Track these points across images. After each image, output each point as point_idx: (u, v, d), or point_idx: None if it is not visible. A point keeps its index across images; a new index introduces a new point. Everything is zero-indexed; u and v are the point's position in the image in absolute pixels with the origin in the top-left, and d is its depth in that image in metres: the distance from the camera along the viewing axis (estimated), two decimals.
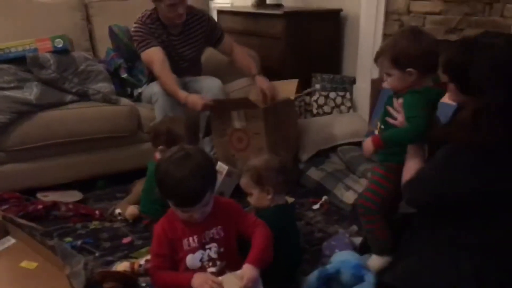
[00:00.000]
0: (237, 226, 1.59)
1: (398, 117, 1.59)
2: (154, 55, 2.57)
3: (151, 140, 2.23)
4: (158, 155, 2.19)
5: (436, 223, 1.50)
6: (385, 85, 1.64)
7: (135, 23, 2.63)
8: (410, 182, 1.50)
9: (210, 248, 1.53)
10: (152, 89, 2.61)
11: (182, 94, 2.46)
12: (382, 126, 1.69)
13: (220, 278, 1.44)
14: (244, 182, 1.82)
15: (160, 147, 2.15)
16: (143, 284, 1.74)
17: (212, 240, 1.53)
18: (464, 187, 1.36)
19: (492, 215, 1.39)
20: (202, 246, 1.53)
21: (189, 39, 2.72)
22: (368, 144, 1.63)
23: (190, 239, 1.52)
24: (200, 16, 2.73)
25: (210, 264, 1.52)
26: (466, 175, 1.36)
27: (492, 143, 1.30)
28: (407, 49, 1.53)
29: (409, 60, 1.53)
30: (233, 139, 2.42)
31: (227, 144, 2.46)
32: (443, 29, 2.58)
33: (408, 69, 1.54)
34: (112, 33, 2.81)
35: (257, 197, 1.80)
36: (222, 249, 1.53)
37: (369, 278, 1.56)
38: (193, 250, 1.52)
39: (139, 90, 2.74)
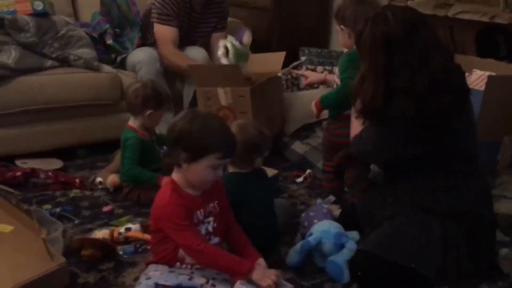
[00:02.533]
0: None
1: None
2: (170, 34, 2.56)
3: (137, 105, 2.11)
4: (133, 122, 2.15)
5: (401, 192, 1.61)
6: None
7: None
8: (355, 137, 1.67)
9: (208, 222, 1.49)
10: (136, 57, 2.57)
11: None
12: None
13: None
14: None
15: (149, 111, 2.11)
16: (121, 252, 1.73)
17: (210, 214, 1.49)
18: (393, 141, 1.53)
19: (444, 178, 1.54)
20: (203, 220, 1.48)
21: (207, 18, 2.69)
22: (312, 107, 1.90)
23: (198, 213, 1.46)
24: (220, 1, 2.72)
25: (208, 238, 1.48)
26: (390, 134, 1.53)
27: (372, 103, 1.48)
28: (343, 9, 1.83)
29: (342, 19, 1.81)
30: (219, 115, 2.37)
31: None
32: (432, 4, 2.55)
33: (341, 26, 1.83)
34: None
35: None
36: (215, 224, 1.50)
37: (350, 245, 1.57)
38: (198, 224, 1.46)
39: (123, 56, 2.68)
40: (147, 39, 2.74)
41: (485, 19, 2.33)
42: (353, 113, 1.69)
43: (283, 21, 3.17)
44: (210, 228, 1.49)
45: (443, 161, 1.54)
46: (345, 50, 1.96)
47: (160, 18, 2.57)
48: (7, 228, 1.46)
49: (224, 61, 2.41)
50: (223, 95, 2.33)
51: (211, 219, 1.49)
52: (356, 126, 1.66)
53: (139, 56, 2.55)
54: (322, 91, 2.97)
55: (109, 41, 2.66)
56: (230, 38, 2.42)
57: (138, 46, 2.70)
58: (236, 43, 2.39)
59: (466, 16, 2.38)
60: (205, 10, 2.69)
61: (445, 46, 1.53)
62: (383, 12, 1.52)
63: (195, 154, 1.38)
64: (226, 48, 2.39)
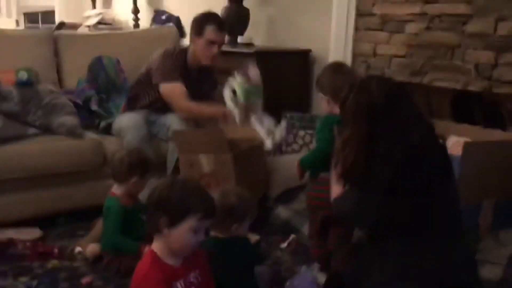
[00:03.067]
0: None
1: None
2: (178, 90, 2.57)
3: (122, 172, 2.12)
4: (117, 189, 2.13)
5: (387, 257, 1.59)
6: None
7: (163, 53, 2.61)
8: (336, 198, 1.67)
9: None
10: (121, 123, 2.58)
11: (214, 108, 2.50)
12: None
13: None
14: None
15: (134, 178, 2.09)
16: None
17: (192, 284, 1.46)
18: (372, 204, 1.55)
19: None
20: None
21: (200, 87, 2.74)
22: (294, 169, 1.93)
23: (178, 283, 1.43)
24: (213, 71, 2.79)
25: None
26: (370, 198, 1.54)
27: (353, 168, 1.52)
28: (322, 78, 1.92)
29: (321, 87, 1.91)
30: (202, 183, 2.35)
31: None
32: (407, 72, 2.65)
33: (320, 93, 1.92)
34: (98, 62, 2.79)
35: None
36: None
37: None
38: None
39: (108, 121, 2.70)
40: (133, 105, 2.77)
41: (459, 86, 2.42)
42: (332, 175, 1.73)
43: (265, 86, 3.22)
44: None
45: (426, 227, 1.55)
46: None
47: (165, 77, 2.58)
48: None
49: (231, 104, 2.40)
50: (206, 162, 2.34)
51: None
52: (336, 188, 1.69)
53: (125, 121, 2.57)
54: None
55: (94, 107, 2.70)
56: (237, 77, 2.43)
57: (124, 111, 2.73)
58: (242, 81, 2.40)
59: (440, 84, 2.48)
60: (199, 78, 2.72)
61: (426, 120, 1.57)
62: (368, 81, 1.59)
63: (175, 217, 1.39)
64: (233, 90, 2.39)
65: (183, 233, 1.39)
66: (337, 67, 1.97)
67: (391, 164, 1.47)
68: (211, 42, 2.57)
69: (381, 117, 1.50)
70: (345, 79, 1.86)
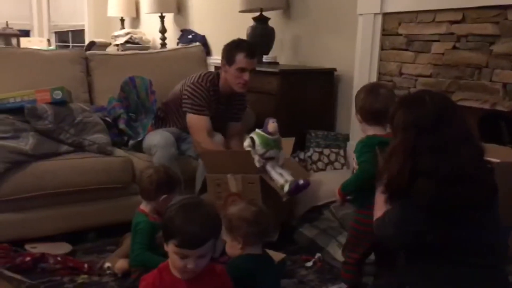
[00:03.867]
0: None
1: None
2: (205, 124, 2.63)
3: (151, 190, 2.16)
4: (145, 206, 2.17)
5: (419, 280, 1.57)
6: None
7: (196, 82, 2.66)
8: (377, 220, 1.67)
9: None
10: (153, 140, 2.62)
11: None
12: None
13: None
14: None
15: (163, 196, 2.14)
16: None
17: None
18: (415, 224, 1.52)
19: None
20: None
21: (230, 109, 2.82)
22: (336, 195, 1.93)
23: None
24: (243, 95, 2.84)
25: None
26: (412, 217, 1.52)
27: (397, 180, 1.50)
28: (357, 100, 1.93)
29: (358, 108, 1.92)
30: (228, 202, 2.39)
31: (221, 207, 2.42)
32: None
33: (357, 115, 1.93)
34: (131, 82, 2.86)
35: (229, 245, 1.79)
36: None
37: None
38: None
39: (137, 139, 2.75)
40: (160, 126, 2.83)
41: (486, 106, 2.41)
42: (376, 198, 1.72)
43: (289, 105, 3.27)
44: None
45: (464, 252, 1.51)
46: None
47: (193, 108, 2.64)
48: None
49: (251, 151, 2.41)
50: (233, 182, 2.37)
51: None
52: (380, 206, 1.68)
53: (156, 139, 2.60)
54: (329, 173, 3.02)
55: (122, 126, 2.76)
56: (257, 130, 2.48)
57: (151, 132, 2.77)
58: (261, 132, 2.45)
59: (467, 103, 2.46)
60: (229, 101, 2.79)
61: (476, 140, 1.55)
62: (420, 94, 1.59)
63: (164, 237, 1.50)
64: (252, 140, 2.43)
65: (171, 254, 1.47)
66: (373, 87, 1.96)
67: (436, 181, 1.45)
68: (242, 70, 2.61)
69: (431, 130, 1.48)
70: (378, 100, 1.88)
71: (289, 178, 2.41)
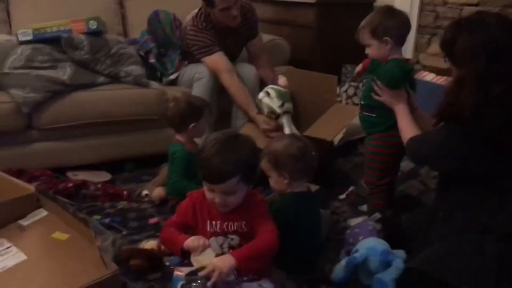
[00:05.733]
0: (253, 221, 1.55)
1: (382, 95, 1.86)
2: (220, 63, 2.57)
3: (177, 123, 2.18)
4: (180, 136, 2.20)
5: (455, 206, 1.56)
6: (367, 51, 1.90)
7: (192, 27, 2.61)
8: (413, 138, 1.66)
9: (232, 238, 1.53)
10: (196, 69, 2.62)
11: (253, 110, 2.48)
12: (362, 102, 2.00)
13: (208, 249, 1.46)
14: (263, 165, 1.79)
15: (191, 125, 2.15)
16: (167, 263, 1.75)
17: (235, 232, 1.53)
18: (459, 156, 1.49)
19: (505, 197, 1.47)
20: (224, 233, 1.53)
21: (237, 34, 2.71)
22: (359, 66, 1.93)
23: (213, 222, 1.53)
24: (246, 12, 2.70)
25: (231, 251, 1.52)
26: (460, 146, 1.48)
27: (469, 109, 1.41)
28: (384, 21, 1.81)
29: (384, 30, 1.80)
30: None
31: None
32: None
33: (385, 38, 1.80)
34: (156, 17, 2.83)
35: (275, 181, 1.79)
36: (243, 242, 1.53)
37: (397, 264, 1.54)
38: (216, 234, 1.53)
39: (172, 77, 2.76)
40: (192, 61, 2.79)
41: None
42: (400, 114, 1.72)
43: (326, 38, 3.18)
44: (234, 244, 1.53)
45: (506, 183, 1.49)
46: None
47: (202, 52, 2.59)
48: (64, 236, 1.51)
49: (267, 100, 2.40)
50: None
51: (235, 236, 1.53)
52: (409, 127, 1.68)
53: (200, 68, 2.60)
54: None
55: (152, 60, 2.74)
56: (268, 86, 2.47)
57: (178, 68, 2.77)
58: (275, 86, 2.44)
59: None
60: (234, 28, 2.68)
61: None
62: (484, 17, 1.48)
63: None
64: (267, 92, 2.41)
65: (204, 186, 1.50)
66: (393, 9, 1.88)
67: (507, 109, 1.39)
68: (224, 9, 2.50)
69: (503, 55, 1.40)
70: (405, 22, 1.84)
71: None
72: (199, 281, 1.35)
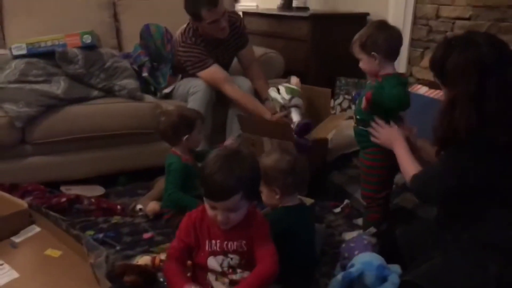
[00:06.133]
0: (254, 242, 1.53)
1: (379, 137, 1.85)
2: (218, 74, 2.59)
3: (170, 137, 2.18)
4: (177, 149, 2.19)
5: (457, 223, 1.54)
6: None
7: (182, 43, 2.62)
8: (416, 176, 1.61)
9: (231, 258, 1.52)
10: (191, 83, 2.62)
11: (266, 112, 2.50)
12: (357, 117, 1.95)
13: None
14: None
15: (184, 137, 2.15)
16: (162, 279, 1.74)
17: (235, 252, 1.51)
18: (467, 178, 1.45)
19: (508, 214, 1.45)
20: (223, 253, 1.51)
21: (226, 46, 2.73)
22: (364, 100, 1.86)
23: (213, 241, 1.51)
24: (233, 22, 2.71)
25: (230, 271, 1.51)
26: (467, 167, 1.45)
27: (464, 130, 1.40)
28: (373, 36, 1.79)
29: (372, 44, 1.79)
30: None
31: None
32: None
33: (372, 53, 1.79)
34: (147, 31, 2.83)
35: (266, 196, 1.78)
36: (244, 261, 1.52)
37: (393, 278, 1.53)
38: (215, 253, 1.51)
39: (166, 90, 2.76)
40: (186, 76, 2.79)
41: None
42: (398, 149, 1.71)
43: (320, 51, 3.20)
44: (234, 264, 1.51)
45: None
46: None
47: (196, 67, 2.60)
48: (56, 252, 1.50)
49: (275, 94, 2.41)
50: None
51: (235, 256, 1.51)
52: (409, 162, 1.65)
53: (196, 81, 2.60)
54: None
55: (144, 74, 2.73)
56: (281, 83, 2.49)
57: (170, 82, 2.77)
58: (287, 84, 2.47)
59: None
60: (223, 40, 2.69)
61: None
62: (473, 36, 1.47)
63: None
64: (277, 89, 2.43)
65: (205, 203, 1.47)
66: (384, 24, 1.87)
67: (504, 126, 1.38)
68: (213, 22, 2.51)
69: (493, 73, 1.39)
70: (395, 36, 1.83)
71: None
72: None
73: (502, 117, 1.39)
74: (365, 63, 1.86)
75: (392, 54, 1.86)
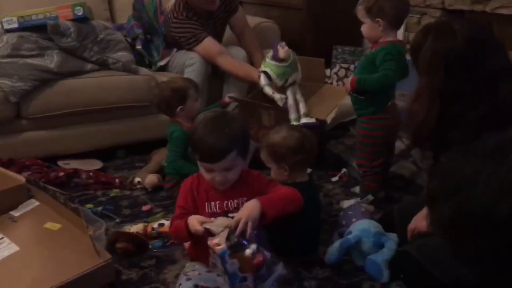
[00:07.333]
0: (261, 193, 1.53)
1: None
2: (212, 48, 2.57)
3: (165, 109, 2.19)
4: (179, 118, 2.18)
5: None
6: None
7: (174, 19, 2.59)
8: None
9: (232, 217, 1.52)
10: (187, 55, 2.60)
11: (255, 70, 2.46)
12: None
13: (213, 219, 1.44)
14: (263, 157, 1.80)
15: (178, 108, 2.14)
16: (150, 246, 1.78)
17: (236, 210, 1.50)
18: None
19: None
20: (224, 213, 1.51)
21: (218, 14, 2.69)
22: (347, 84, 1.91)
23: (212, 203, 1.51)
24: None
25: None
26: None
27: (426, 126, 1.35)
28: (379, 1, 1.78)
29: (379, 10, 1.78)
30: (259, 134, 2.32)
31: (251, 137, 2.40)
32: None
33: (377, 19, 1.79)
34: (140, 1, 2.77)
35: (275, 172, 1.78)
36: None
37: (390, 245, 1.55)
38: (215, 215, 1.50)
39: (161, 63, 2.72)
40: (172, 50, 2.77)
41: None
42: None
43: (316, 20, 3.16)
44: None
45: None
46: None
47: (190, 42, 2.59)
48: (56, 226, 1.51)
49: (268, 90, 2.35)
50: (266, 117, 2.33)
51: (235, 215, 1.48)
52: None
53: (192, 53, 2.59)
54: None
55: (138, 47, 2.69)
56: (267, 60, 2.38)
57: (164, 55, 2.74)
58: (273, 63, 2.35)
59: (505, 11, 2.32)
60: (215, 11, 2.67)
61: None
62: (449, 24, 1.37)
63: (191, 151, 1.52)
64: (266, 73, 2.36)
65: (200, 166, 1.48)
66: None
67: (471, 127, 1.25)
68: None
69: (462, 68, 1.29)
70: (403, 5, 1.82)
71: (303, 112, 2.34)
72: (244, 241, 1.33)
73: (469, 120, 1.28)
74: (367, 27, 1.85)
75: (396, 22, 1.84)
